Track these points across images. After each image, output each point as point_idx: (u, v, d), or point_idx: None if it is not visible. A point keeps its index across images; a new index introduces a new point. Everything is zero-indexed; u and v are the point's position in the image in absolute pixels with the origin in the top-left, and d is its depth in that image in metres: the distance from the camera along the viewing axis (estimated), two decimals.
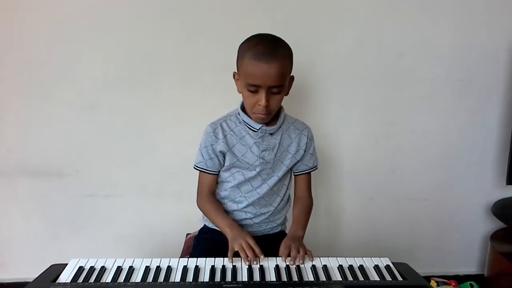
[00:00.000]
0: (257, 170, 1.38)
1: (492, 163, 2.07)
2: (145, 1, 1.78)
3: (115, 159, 1.94)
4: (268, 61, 1.20)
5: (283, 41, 1.30)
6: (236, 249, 1.19)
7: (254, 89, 1.25)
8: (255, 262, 1.16)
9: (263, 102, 1.24)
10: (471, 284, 2.06)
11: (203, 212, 1.43)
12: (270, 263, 1.17)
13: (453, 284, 2.02)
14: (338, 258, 1.20)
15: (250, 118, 1.35)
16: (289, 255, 1.19)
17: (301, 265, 1.16)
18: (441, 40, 1.90)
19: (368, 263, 1.19)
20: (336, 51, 1.88)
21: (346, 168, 2.03)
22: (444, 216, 2.12)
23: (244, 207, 1.42)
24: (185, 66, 1.84)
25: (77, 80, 1.84)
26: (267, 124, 1.36)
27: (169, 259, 1.17)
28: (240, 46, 1.29)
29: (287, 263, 1.16)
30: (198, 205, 1.44)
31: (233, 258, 1.17)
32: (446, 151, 2.04)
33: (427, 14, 1.87)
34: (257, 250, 1.18)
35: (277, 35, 1.77)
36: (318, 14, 1.84)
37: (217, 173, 1.43)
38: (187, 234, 1.67)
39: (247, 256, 1.16)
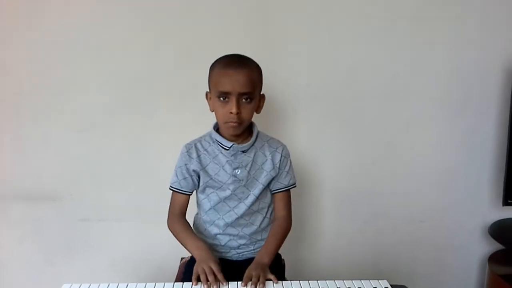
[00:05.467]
0: (231, 188, 1.38)
1: (488, 184, 2.06)
2: (140, 24, 1.81)
3: (110, 183, 1.93)
4: (236, 68, 1.27)
5: (252, 59, 1.35)
6: (198, 274, 1.19)
7: (224, 97, 1.28)
8: (215, 287, 1.15)
9: (234, 109, 1.27)
10: None
11: (172, 232, 1.42)
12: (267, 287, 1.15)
13: None
14: (336, 281, 1.18)
15: (223, 137, 1.37)
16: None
17: None
18: (435, 61, 1.91)
19: (367, 285, 1.17)
20: (330, 72, 1.89)
21: (342, 190, 2.02)
22: (441, 238, 2.10)
23: (225, 229, 1.42)
24: (181, 88, 1.85)
25: (72, 103, 1.85)
26: (240, 142, 1.38)
27: (163, 283, 1.15)
28: (210, 65, 1.35)
29: None
30: (168, 225, 1.44)
31: (230, 282, 1.17)
32: (442, 172, 2.04)
33: (422, 35, 1.89)
34: (219, 276, 1.17)
35: (272, 56, 1.81)
36: (312, 34, 1.86)
37: (189, 193, 1.44)
38: (182, 259, 1.64)
39: (207, 281, 1.16)
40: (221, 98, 1.29)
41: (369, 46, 1.89)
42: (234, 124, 1.31)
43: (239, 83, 1.26)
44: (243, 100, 1.29)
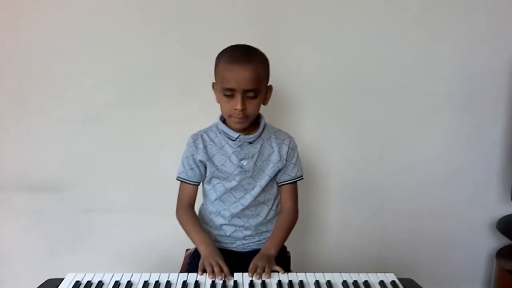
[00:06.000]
0: (237, 179, 1.38)
1: (496, 179, 2.04)
2: (143, 16, 1.79)
3: (114, 174, 1.92)
4: (242, 65, 1.24)
5: (259, 50, 1.33)
6: (205, 267, 1.18)
7: (229, 93, 1.27)
8: (219, 277, 1.14)
9: (238, 106, 1.26)
10: None
11: (180, 224, 1.41)
12: (272, 279, 1.14)
13: None
14: (342, 273, 1.17)
15: (229, 127, 1.36)
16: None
17: (266, 281, 1.14)
18: (442, 56, 1.89)
19: (373, 278, 1.16)
20: (337, 65, 1.87)
21: (349, 184, 2.00)
22: (448, 233, 2.08)
23: (231, 220, 1.42)
24: (184, 81, 1.84)
25: (75, 94, 1.84)
26: (246, 133, 1.37)
27: (168, 274, 1.14)
28: (217, 56, 1.33)
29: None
30: (176, 216, 1.43)
31: (235, 273, 1.16)
32: (449, 167, 2.02)
33: (428, 28, 1.86)
34: (225, 269, 1.17)
35: (277, 49, 1.80)
36: (319, 29, 1.84)
37: (197, 184, 1.43)
38: (187, 250, 1.64)
39: (213, 272, 1.15)
40: (226, 94, 1.28)
41: (377, 40, 1.86)
42: (239, 120, 1.31)
43: (244, 79, 1.24)
44: (248, 96, 1.27)
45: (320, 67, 1.87)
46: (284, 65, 1.80)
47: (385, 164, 1.99)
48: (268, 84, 1.37)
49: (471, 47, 1.90)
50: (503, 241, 2.05)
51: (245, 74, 1.24)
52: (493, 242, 2.10)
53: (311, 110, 1.91)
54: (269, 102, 1.40)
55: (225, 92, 1.27)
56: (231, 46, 1.32)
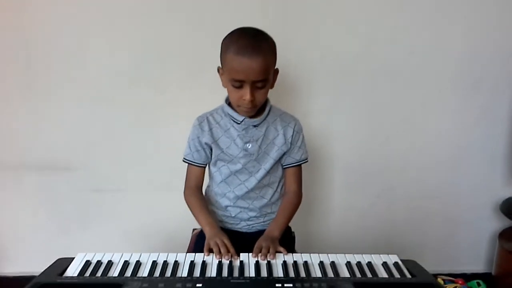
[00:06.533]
0: (242, 162, 1.38)
1: (500, 161, 2.05)
2: None
3: (123, 153, 1.95)
4: (251, 56, 1.20)
5: (266, 34, 1.29)
6: (211, 247, 1.20)
7: (238, 84, 1.25)
8: (226, 257, 1.15)
9: (247, 97, 1.25)
10: (478, 283, 2.04)
11: (187, 205, 1.43)
12: (277, 260, 1.16)
13: (460, 282, 2.00)
14: (346, 254, 1.19)
15: (235, 111, 1.36)
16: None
17: (271, 261, 1.15)
18: (453, 38, 1.88)
19: (376, 260, 1.18)
20: (347, 47, 1.86)
21: (355, 165, 2.02)
22: (452, 214, 2.10)
23: (236, 202, 1.43)
24: (193, 62, 1.84)
25: (85, 75, 1.85)
26: (251, 116, 1.36)
27: (176, 254, 1.16)
28: (223, 41, 1.29)
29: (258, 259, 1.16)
30: (184, 197, 1.44)
31: (240, 254, 1.18)
32: (456, 149, 2.03)
33: (439, 12, 1.85)
34: (231, 250, 1.18)
35: (287, 31, 1.79)
36: (329, 10, 1.83)
37: (204, 166, 1.45)
38: (194, 230, 1.66)
39: (220, 252, 1.17)
40: (235, 84, 1.26)
41: (386, 23, 1.85)
42: (248, 109, 1.31)
43: (253, 71, 1.21)
44: (257, 86, 1.26)
45: (327, 50, 1.86)
46: (291, 49, 1.79)
47: (392, 145, 2.01)
48: (275, 68, 1.34)
49: (481, 31, 1.88)
50: (506, 222, 2.07)
51: (255, 66, 1.21)
52: (496, 223, 2.12)
53: (318, 91, 1.91)
54: (276, 85, 1.39)
55: (233, 82, 1.26)
56: (237, 32, 1.27)
